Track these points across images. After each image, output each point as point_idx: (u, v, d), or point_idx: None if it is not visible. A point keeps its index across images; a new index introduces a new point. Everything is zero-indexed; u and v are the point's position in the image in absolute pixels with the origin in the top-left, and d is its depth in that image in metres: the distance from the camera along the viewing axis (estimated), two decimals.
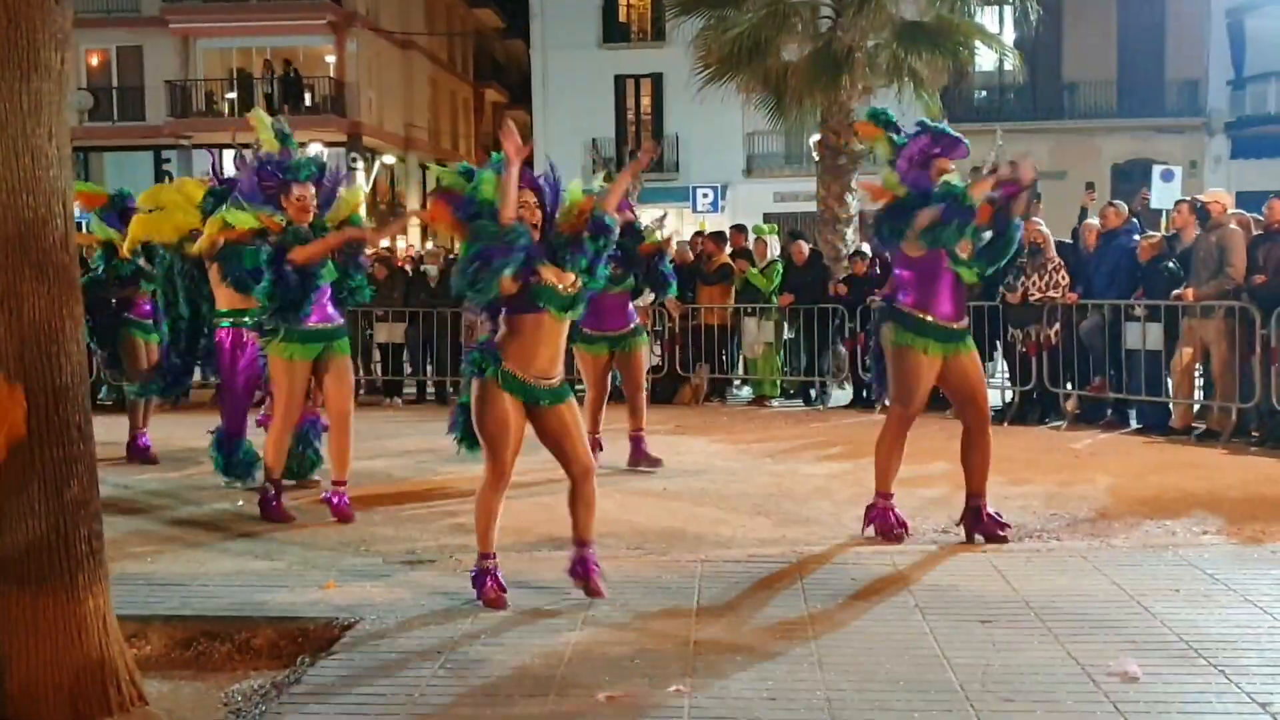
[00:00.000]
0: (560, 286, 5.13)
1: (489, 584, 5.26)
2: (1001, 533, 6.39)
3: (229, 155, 8.57)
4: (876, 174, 7.00)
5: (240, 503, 7.72)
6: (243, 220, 7.04)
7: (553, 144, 33.10)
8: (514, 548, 6.27)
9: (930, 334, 6.33)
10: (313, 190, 7.04)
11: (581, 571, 5.35)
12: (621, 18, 34.14)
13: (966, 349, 6.45)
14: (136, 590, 5.55)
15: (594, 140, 30.59)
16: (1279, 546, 6.16)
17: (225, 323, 8.05)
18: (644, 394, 9.09)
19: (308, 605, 5.32)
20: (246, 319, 7.69)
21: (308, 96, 34.95)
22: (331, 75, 34.82)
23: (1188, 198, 11.47)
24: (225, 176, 8.31)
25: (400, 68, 38.65)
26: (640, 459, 8.86)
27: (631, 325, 8.87)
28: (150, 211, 8.32)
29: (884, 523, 6.54)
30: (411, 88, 39.63)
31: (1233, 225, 9.89)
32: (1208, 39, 30.30)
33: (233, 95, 34.54)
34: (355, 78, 34.77)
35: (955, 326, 6.40)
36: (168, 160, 33.69)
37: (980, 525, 6.44)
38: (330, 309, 7.16)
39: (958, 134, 6.49)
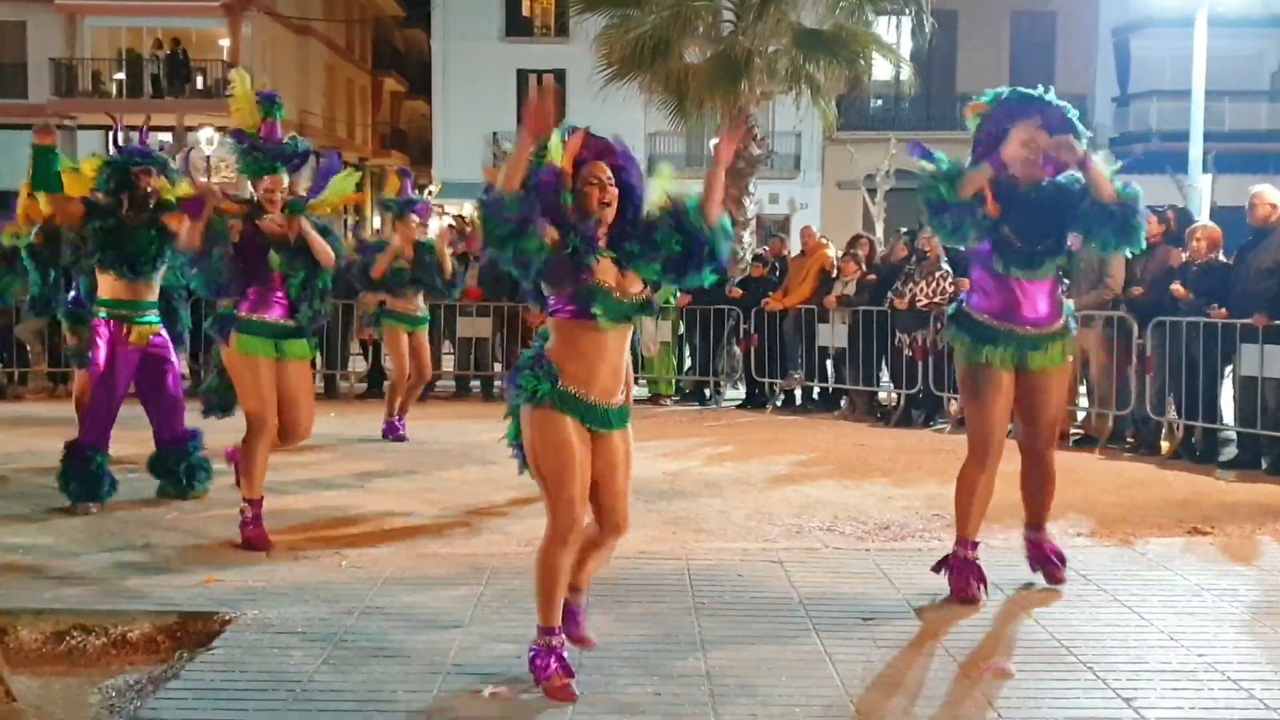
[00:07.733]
0: (615, 290, 4.10)
1: (552, 666, 4.13)
2: (1059, 573, 5.65)
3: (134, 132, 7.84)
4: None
5: (94, 510, 7.09)
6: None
7: (452, 136, 32.82)
8: (401, 543, 6.19)
9: (1000, 342, 5.42)
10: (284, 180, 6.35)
11: (572, 623, 4.40)
12: (525, 12, 34.03)
13: (1040, 363, 5.47)
14: (5, 583, 5.37)
15: (495, 134, 30.37)
16: (1148, 549, 6.39)
17: (102, 313, 7.24)
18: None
19: (187, 599, 5.20)
20: (124, 310, 7.09)
21: (199, 79, 34.11)
22: (225, 59, 34.02)
23: None
24: (124, 147, 7.33)
25: (296, 53, 37.88)
26: None
27: None
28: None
29: (959, 579, 5.45)
30: (307, 74, 38.86)
31: None
32: (1095, 56, 31.36)
33: (121, 76, 33.57)
34: (249, 62, 33.97)
35: (1025, 332, 5.44)
36: None
37: (1038, 560, 5.73)
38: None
39: (1034, 95, 5.46)
